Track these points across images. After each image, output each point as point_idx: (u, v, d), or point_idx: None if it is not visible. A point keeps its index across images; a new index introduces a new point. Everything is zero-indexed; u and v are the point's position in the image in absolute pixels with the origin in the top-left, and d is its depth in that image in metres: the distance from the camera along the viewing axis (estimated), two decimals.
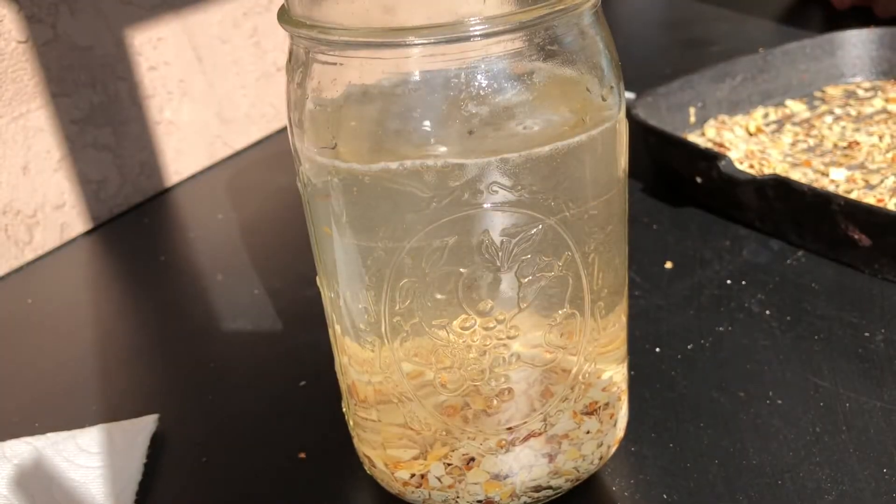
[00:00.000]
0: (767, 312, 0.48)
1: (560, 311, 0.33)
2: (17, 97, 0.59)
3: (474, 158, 0.29)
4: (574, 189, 0.31)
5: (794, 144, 0.63)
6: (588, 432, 0.36)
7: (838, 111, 0.67)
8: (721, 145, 0.63)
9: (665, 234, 0.56)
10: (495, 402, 0.33)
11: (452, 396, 0.33)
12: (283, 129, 0.78)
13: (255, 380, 0.47)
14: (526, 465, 0.35)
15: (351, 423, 0.38)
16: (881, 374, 0.42)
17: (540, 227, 0.31)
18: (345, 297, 0.33)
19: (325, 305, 0.36)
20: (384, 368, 0.33)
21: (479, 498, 0.35)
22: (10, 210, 0.60)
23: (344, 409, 0.39)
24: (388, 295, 0.32)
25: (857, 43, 0.71)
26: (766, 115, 0.67)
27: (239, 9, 0.73)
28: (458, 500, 0.35)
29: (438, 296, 0.31)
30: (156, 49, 0.68)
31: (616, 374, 0.36)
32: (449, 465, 0.35)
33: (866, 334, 0.45)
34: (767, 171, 0.59)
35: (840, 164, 0.59)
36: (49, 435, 0.42)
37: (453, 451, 0.34)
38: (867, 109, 0.67)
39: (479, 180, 0.30)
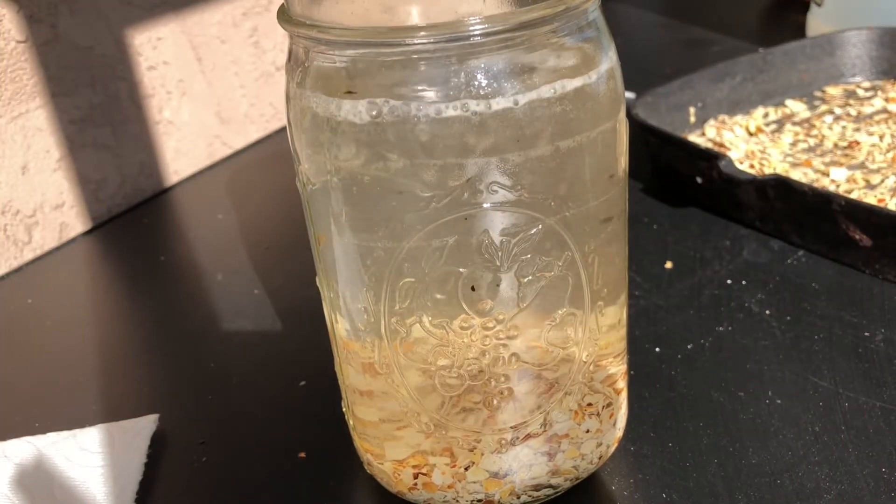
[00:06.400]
0: (767, 312, 0.48)
1: (560, 311, 0.33)
2: (17, 97, 0.59)
3: (474, 158, 0.29)
4: (574, 189, 0.31)
5: (794, 144, 0.63)
6: (588, 431, 0.36)
7: (838, 111, 0.67)
8: (721, 145, 0.63)
9: (665, 234, 0.56)
10: (495, 401, 0.33)
11: (452, 396, 0.33)
12: (283, 129, 0.78)
13: (255, 380, 0.47)
14: (525, 463, 0.35)
15: (351, 422, 0.38)
16: (881, 374, 0.42)
17: (540, 227, 0.31)
18: (344, 297, 0.33)
19: (324, 305, 0.36)
20: (384, 368, 0.33)
21: (479, 497, 0.35)
22: (10, 210, 0.60)
23: (344, 409, 0.39)
24: (388, 295, 0.32)
25: (856, 43, 0.71)
26: (766, 115, 0.67)
27: (238, 9, 0.73)
28: (458, 499, 0.35)
29: (438, 296, 0.31)
30: (155, 49, 0.68)
31: (616, 373, 0.36)
32: (449, 464, 0.35)
33: (866, 334, 0.45)
34: (768, 170, 0.59)
35: (840, 164, 0.59)
36: (49, 434, 0.42)
37: (453, 450, 0.34)
38: (867, 109, 0.67)
39: (478, 180, 0.30)
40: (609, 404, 0.36)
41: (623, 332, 0.36)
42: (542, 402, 0.34)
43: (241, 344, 0.50)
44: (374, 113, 0.29)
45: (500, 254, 0.31)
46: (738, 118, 0.67)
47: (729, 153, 0.61)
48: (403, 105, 0.29)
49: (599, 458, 0.37)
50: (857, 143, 0.62)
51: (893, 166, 0.58)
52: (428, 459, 0.35)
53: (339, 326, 0.34)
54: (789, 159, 0.61)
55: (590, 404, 0.35)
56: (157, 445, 0.43)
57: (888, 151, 0.60)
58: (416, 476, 0.35)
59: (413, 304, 0.32)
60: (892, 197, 0.54)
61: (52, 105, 0.61)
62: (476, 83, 0.29)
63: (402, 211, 0.30)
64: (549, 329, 0.33)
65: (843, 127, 0.64)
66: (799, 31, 0.84)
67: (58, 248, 0.63)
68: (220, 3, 0.72)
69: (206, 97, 0.72)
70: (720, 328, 0.47)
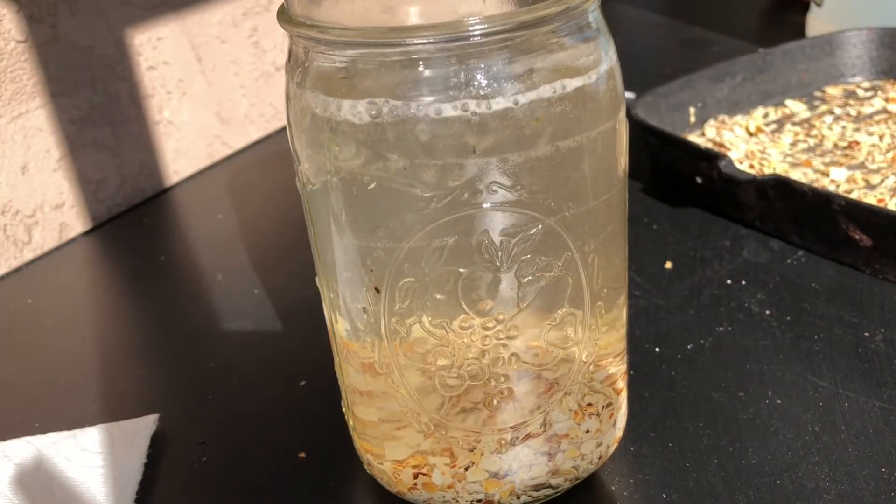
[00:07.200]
0: (767, 312, 0.48)
1: (560, 311, 0.33)
2: (17, 97, 0.59)
3: (474, 158, 0.29)
4: (574, 189, 0.31)
5: (794, 144, 0.63)
6: (587, 431, 0.36)
7: (838, 111, 0.67)
8: (721, 145, 0.63)
9: (665, 234, 0.56)
10: (495, 401, 0.33)
11: (452, 396, 0.33)
12: (283, 129, 0.78)
13: (255, 380, 0.47)
14: (525, 464, 0.35)
15: (351, 422, 0.38)
16: (881, 374, 0.42)
17: (540, 227, 0.31)
18: (344, 297, 0.33)
19: (324, 305, 0.36)
20: (384, 368, 0.33)
21: (479, 497, 0.35)
22: (10, 210, 0.60)
23: (344, 409, 0.39)
24: (388, 295, 0.32)
25: (856, 43, 0.71)
26: (766, 115, 0.67)
27: (238, 9, 0.73)
28: (457, 499, 0.35)
29: (438, 296, 0.31)
30: (155, 49, 0.68)
31: (616, 373, 0.36)
32: (449, 464, 0.35)
33: (866, 334, 0.45)
34: (768, 171, 0.59)
35: (840, 164, 0.59)
36: (49, 434, 0.42)
37: (453, 450, 0.34)
38: (867, 109, 0.67)
39: (478, 180, 0.30)
40: (609, 404, 0.36)
41: (623, 332, 0.36)
42: (542, 402, 0.34)
43: (241, 344, 0.50)
44: (373, 113, 0.29)
45: (499, 254, 0.31)
46: (738, 118, 0.67)
47: (729, 153, 0.61)
48: (403, 105, 0.29)
49: (599, 458, 0.37)
50: (857, 143, 0.62)
51: (893, 166, 0.58)
52: (428, 459, 0.35)
53: (339, 326, 0.34)
54: (789, 159, 0.61)
55: (590, 404, 0.35)
56: (157, 445, 0.43)
57: (888, 151, 0.60)
58: (416, 476, 0.35)
59: (413, 304, 0.32)
60: (892, 197, 0.54)
61: (52, 105, 0.61)
62: (476, 83, 0.29)
63: (401, 211, 0.30)
64: (549, 329, 0.33)
65: (843, 127, 0.64)
66: (799, 31, 0.84)
67: (58, 248, 0.63)
68: (220, 3, 0.72)
69: (206, 97, 0.72)
70: (720, 328, 0.47)
